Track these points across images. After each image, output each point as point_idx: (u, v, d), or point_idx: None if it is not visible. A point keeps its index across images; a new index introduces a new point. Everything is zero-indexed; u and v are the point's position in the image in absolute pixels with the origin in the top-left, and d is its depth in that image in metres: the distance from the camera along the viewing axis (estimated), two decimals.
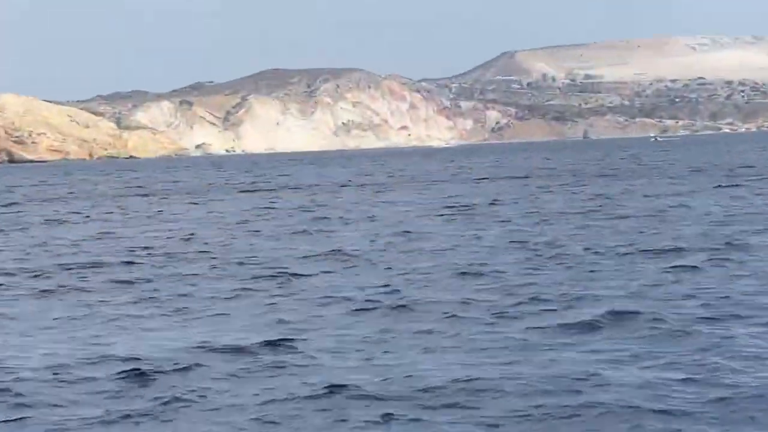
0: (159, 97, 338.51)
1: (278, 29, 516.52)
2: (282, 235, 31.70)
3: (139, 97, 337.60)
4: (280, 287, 19.90)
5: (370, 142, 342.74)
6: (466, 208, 41.07)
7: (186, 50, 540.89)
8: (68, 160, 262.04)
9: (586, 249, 24.34)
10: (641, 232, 28.14)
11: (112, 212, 48.28)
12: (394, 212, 40.25)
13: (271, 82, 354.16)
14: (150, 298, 19.25)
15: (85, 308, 18.14)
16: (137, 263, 25.08)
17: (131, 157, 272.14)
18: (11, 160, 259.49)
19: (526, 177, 69.74)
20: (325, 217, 38.77)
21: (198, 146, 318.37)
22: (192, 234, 33.13)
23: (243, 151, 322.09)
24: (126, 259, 25.90)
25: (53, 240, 33.21)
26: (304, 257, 25.01)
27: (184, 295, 19.24)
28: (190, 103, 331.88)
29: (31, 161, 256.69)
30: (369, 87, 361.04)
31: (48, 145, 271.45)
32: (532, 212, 37.18)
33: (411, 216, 37.85)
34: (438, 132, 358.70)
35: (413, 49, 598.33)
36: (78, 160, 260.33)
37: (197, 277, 21.95)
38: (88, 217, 45.60)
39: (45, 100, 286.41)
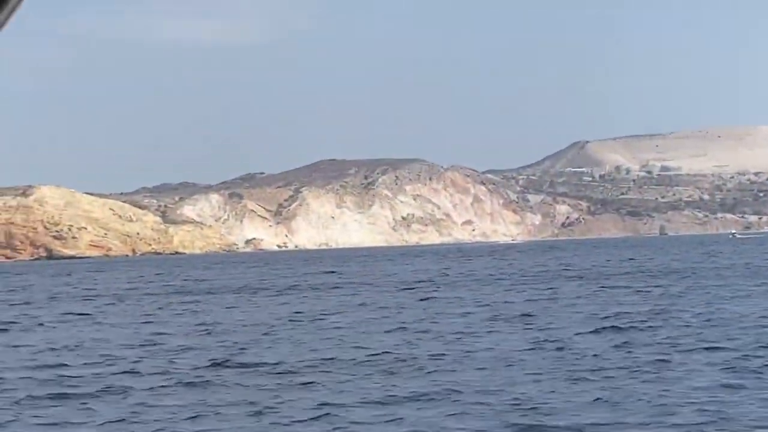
0: (207, 189, 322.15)
1: (333, 117, 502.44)
2: None
3: (187, 190, 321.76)
4: None
5: (431, 237, 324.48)
6: None
7: (237, 139, 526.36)
8: (110, 256, 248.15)
9: None
10: None
11: None
12: None
13: (326, 173, 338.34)
14: None
15: None
16: None
17: (177, 252, 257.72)
18: (50, 256, 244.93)
19: None
20: None
21: (248, 241, 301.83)
22: None
23: (296, 246, 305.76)
24: None
25: None
26: None
27: None
28: (240, 196, 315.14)
29: (72, 257, 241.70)
30: (430, 179, 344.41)
31: (89, 241, 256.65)
32: None
33: None
34: (504, 227, 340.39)
35: (477, 139, 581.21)
36: (121, 257, 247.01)
37: None
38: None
39: (86, 193, 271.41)
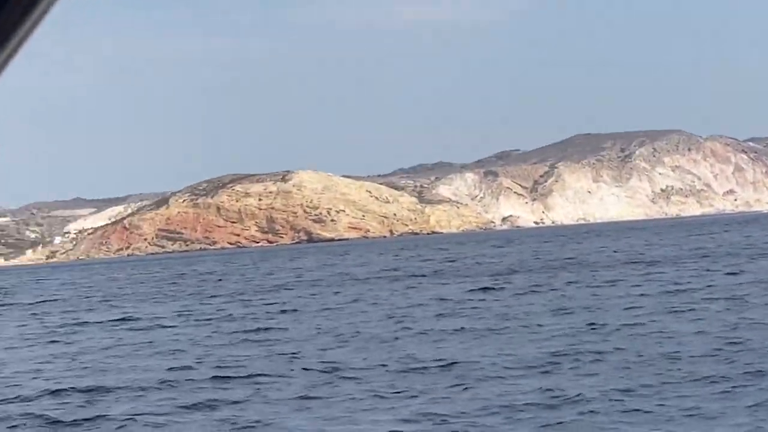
0: (463, 168, 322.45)
1: (587, 90, 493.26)
2: None
3: (443, 169, 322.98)
4: None
5: (691, 208, 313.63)
6: None
7: (491, 118, 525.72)
8: (368, 237, 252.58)
9: None
10: None
11: None
12: None
13: (582, 148, 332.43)
14: None
15: None
16: None
17: (433, 232, 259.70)
18: (310, 240, 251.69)
19: None
20: None
21: (505, 219, 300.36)
22: None
23: (553, 222, 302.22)
24: None
25: None
26: None
27: None
28: (496, 174, 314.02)
29: (331, 240, 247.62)
30: (689, 149, 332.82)
31: (347, 223, 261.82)
32: None
33: None
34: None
35: (737, 106, 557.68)
36: (379, 237, 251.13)
37: None
38: None
39: (343, 176, 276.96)
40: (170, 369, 27.45)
